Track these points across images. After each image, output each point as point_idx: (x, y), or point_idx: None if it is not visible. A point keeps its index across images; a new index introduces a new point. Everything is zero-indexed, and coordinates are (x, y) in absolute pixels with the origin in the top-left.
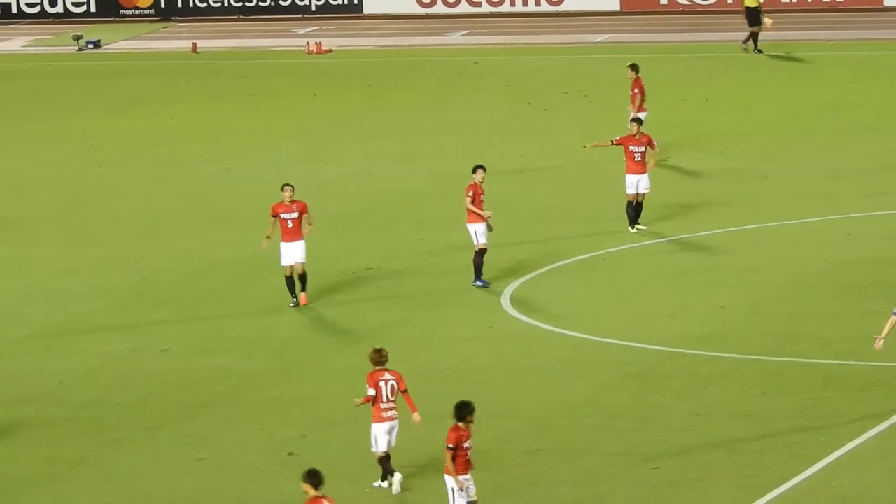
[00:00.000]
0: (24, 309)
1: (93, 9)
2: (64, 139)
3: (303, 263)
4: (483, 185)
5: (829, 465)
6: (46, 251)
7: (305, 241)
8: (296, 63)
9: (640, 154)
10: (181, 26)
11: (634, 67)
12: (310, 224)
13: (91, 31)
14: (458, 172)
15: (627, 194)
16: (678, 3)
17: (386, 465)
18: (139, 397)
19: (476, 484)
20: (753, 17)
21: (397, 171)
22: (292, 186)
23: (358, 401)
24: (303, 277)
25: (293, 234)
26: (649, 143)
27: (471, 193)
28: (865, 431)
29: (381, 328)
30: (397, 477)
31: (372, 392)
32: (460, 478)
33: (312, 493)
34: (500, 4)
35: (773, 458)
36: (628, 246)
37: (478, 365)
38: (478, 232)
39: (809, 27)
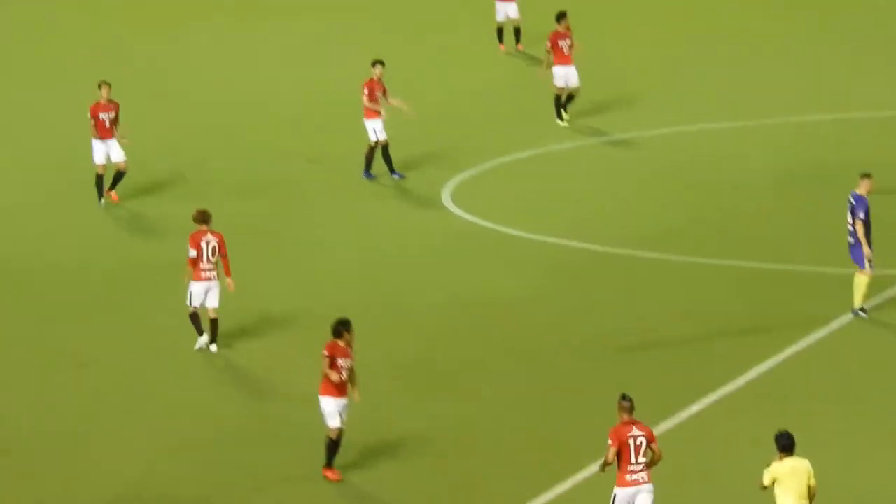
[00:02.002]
0: None
1: None
2: None
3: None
4: (382, 80)
5: (775, 366)
6: None
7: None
8: None
9: (567, 47)
10: None
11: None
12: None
13: None
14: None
15: (556, 87)
16: None
17: (196, 323)
18: None
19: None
20: None
21: None
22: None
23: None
24: (118, 176)
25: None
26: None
27: (366, 91)
28: (809, 334)
29: (329, 214)
30: (204, 338)
31: (193, 253)
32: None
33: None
34: None
35: (717, 360)
36: (567, 146)
37: (417, 258)
38: (376, 129)
39: None
